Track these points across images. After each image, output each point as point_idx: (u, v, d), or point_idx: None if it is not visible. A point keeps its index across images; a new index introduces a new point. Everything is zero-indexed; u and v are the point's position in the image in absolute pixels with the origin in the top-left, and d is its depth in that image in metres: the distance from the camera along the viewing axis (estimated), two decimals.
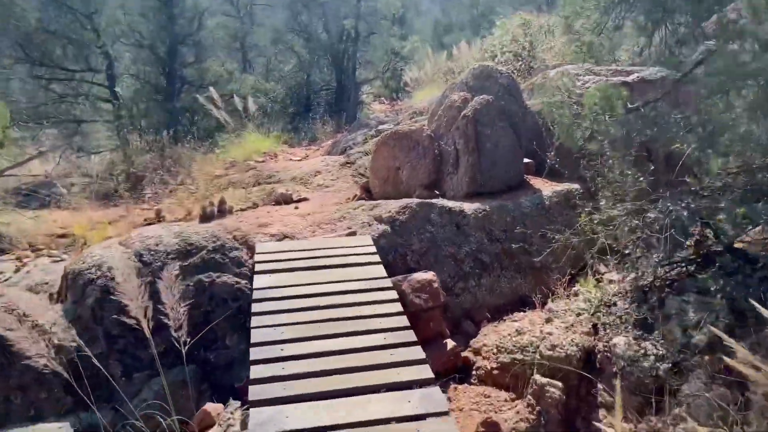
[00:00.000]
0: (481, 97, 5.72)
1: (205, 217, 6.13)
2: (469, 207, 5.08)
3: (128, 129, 12.28)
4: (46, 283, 4.64)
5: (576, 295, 4.82)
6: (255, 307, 3.47)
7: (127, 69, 13.01)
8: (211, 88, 12.87)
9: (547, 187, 5.84)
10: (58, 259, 6.65)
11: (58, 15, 11.96)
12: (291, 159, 13.17)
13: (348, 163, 9.86)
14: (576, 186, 5.84)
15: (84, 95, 12.54)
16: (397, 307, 3.64)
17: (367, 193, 6.72)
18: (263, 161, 12.46)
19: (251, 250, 4.37)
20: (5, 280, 6.01)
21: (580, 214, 5.28)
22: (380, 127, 10.81)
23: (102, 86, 12.79)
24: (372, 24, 12.74)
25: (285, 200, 7.77)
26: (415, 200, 4.98)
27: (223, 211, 6.20)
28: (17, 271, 6.27)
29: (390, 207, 4.91)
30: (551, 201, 5.55)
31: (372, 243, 4.38)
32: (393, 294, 3.78)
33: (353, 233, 4.58)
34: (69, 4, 11.95)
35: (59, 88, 12.76)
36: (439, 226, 4.82)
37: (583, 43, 5.23)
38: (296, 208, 6.58)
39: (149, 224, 7.58)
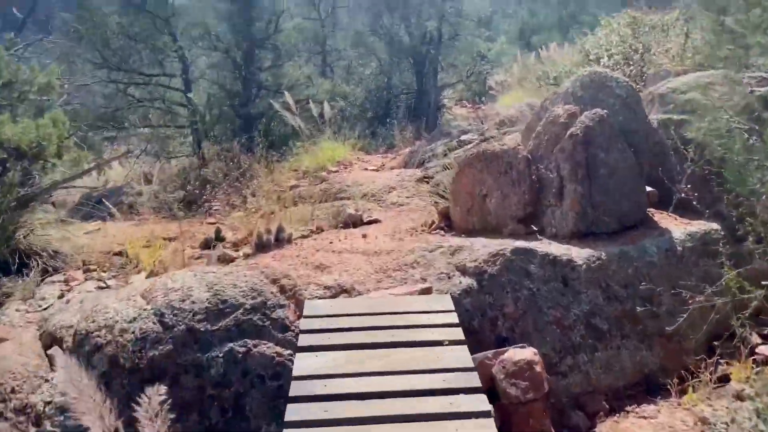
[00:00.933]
0: (593, 111, 4.58)
1: (261, 246, 5.35)
2: (578, 254, 3.98)
3: (201, 136, 11.88)
4: (71, 327, 3.96)
5: (725, 379, 3.63)
6: (290, 412, 2.54)
7: (202, 73, 12.62)
8: (287, 93, 12.28)
9: (676, 226, 4.62)
10: (104, 285, 6.10)
11: (136, 19, 11.71)
12: (366, 168, 12.37)
13: (425, 178, 8.88)
14: (715, 226, 4.59)
15: (160, 99, 12.25)
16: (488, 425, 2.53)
17: (446, 221, 5.71)
18: (336, 171, 11.71)
19: (300, 306, 3.49)
20: (45, 308, 5.48)
21: (723, 265, 4.07)
22: (463, 137, 9.77)
23: (178, 90, 12.47)
24: (456, 26, 11.71)
25: (354, 222, 6.90)
26: (509, 245, 3.92)
27: (281, 239, 5.39)
28: (61, 296, 5.74)
29: (476, 253, 3.88)
30: (684, 246, 4.34)
31: (452, 307, 3.38)
32: (482, 403, 2.66)
33: (428, 290, 3.60)
34: (147, 7, 11.67)
35: (137, 92, 12.56)
36: (540, 280, 3.75)
37: (739, 46, 4.00)
38: (364, 236, 5.67)
39: (206, 246, 6.95)
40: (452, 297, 3.49)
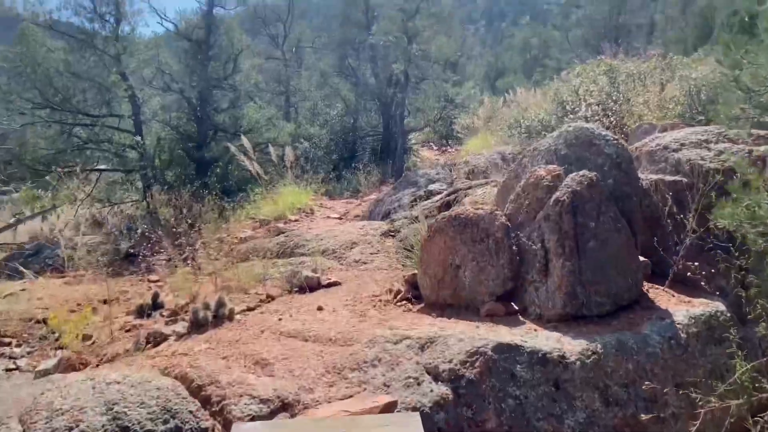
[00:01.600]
0: (581, 174, 4.01)
1: (198, 325, 4.57)
2: (571, 348, 3.32)
3: (151, 181, 11.04)
4: None
5: None
6: None
7: (154, 114, 11.86)
8: (244, 137, 11.59)
9: (677, 306, 4.02)
10: (14, 366, 5.19)
11: (83, 56, 10.96)
12: (329, 217, 11.68)
13: (391, 231, 8.23)
14: (720, 306, 4.01)
15: (106, 141, 11.42)
16: None
17: (413, 289, 5.03)
18: (296, 220, 10.99)
19: (228, 428, 2.72)
20: None
21: (733, 355, 3.48)
22: (430, 186, 9.21)
23: (127, 132, 11.66)
24: (423, 69, 11.30)
25: (310, 285, 6.17)
26: (490, 341, 3.23)
27: (220, 316, 4.62)
28: None
29: (451, 350, 3.18)
30: (688, 332, 3.73)
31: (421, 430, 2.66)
32: None
33: (392, 406, 2.88)
34: (96, 44, 10.94)
35: (84, 133, 11.70)
36: (528, 385, 3.07)
37: (754, 105, 3.49)
38: (320, 309, 4.94)
39: (140, 313, 6.11)
40: (422, 413, 2.77)
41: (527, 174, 4.31)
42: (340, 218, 11.68)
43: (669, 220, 4.53)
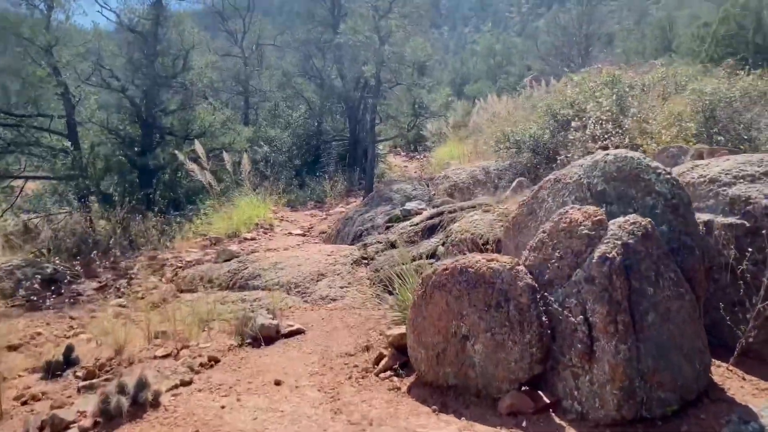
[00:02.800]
0: (632, 221, 2.99)
1: (109, 416, 3.34)
2: None
3: (85, 192, 9.63)
4: None
5: None
6: None
7: (91, 115, 10.40)
8: (196, 142, 10.30)
9: (756, 398, 3.02)
10: None
11: (6, 47, 9.48)
12: (290, 233, 10.47)
13: (364, 259, 7.10)
14: None
15: (33, 144, 9.92)
16: None
17: (400, 355, 3.93)
18: (253, 239, 9.74)
19: None
20: None
21: None
22: (407, 205, 8.11)
23: (59, 134, 10.19)
24: (397, 72, 10.24)
25: (267, 336, 5.01)
26: None
27: (141, 402, 3.40)
28: None
29: None
30: None
31: None
32: None
33: None
34: (21, 32, 9.46)
35: (8, 134, 10.18)
36: None
37: None
38: (278, 384, 3.80)
39: (49, 370, 4.80)
40: None
41: (556, 216, 3.25)
42: (303, 234, 10.48)
43: (726, 273, 3.56)
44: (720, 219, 3.65)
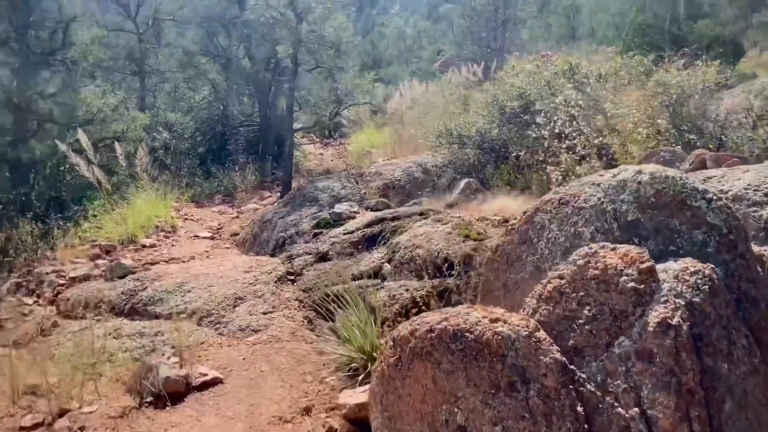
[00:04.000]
0: (691, 267, 2.21)
1: None
2: None
3: None
4: None
5: None
6: None
7: None
8: (80, 131, 8.73)
9: None
10: None
11: None
12: (197, 236, 9.16)
13: (290, 274, 6.06)
14: None
15: None
16: None
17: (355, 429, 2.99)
18: (153, 245, 8.37)
19: None
20: None
21: None
22: (337, 207, 7.09)
23: None
24: (317, 53, 9.15)
25: (173, 392, 3.92)
26: None
27: None
28: None
29: None
30: None
31: None
32: None
33: None
34: None
35: None
36: None
37: None
38: None
39: None
40: None
41: (578, 257, 2.40)
42: (211, 237, 9.20)
43: None
44: (757, 249, 2.95)
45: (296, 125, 14.53)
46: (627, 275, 2.21)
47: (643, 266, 2.21)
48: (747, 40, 12.54)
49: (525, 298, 2.63)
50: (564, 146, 4.75)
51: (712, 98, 5.70)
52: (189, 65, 15.38)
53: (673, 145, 4.86)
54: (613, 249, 2.31)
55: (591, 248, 2.36)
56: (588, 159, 4.67)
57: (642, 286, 2.19)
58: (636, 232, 2.51)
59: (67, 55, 9.57)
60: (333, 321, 4.78)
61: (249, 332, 5.03)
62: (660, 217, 2.50)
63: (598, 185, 2.69)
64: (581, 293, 2.32)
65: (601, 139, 4.69)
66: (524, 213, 2.97)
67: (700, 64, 5.94)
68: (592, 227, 2.61)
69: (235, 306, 5.37)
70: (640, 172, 2.57)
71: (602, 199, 2.63)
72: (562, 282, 2.41)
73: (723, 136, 4.79)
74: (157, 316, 5.45)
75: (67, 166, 9.13)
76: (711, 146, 5.02)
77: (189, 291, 5.66)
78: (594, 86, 5.52)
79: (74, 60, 9.59)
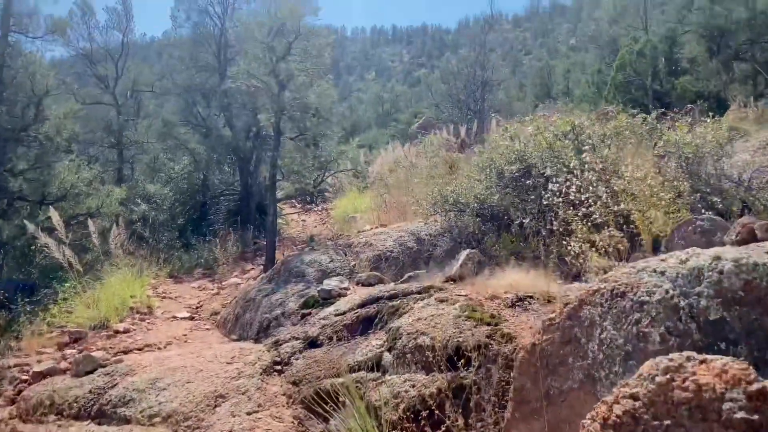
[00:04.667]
0: None
1: None
2: None
3: None
4: None
5: None
6: None
7: None
8: (52, 208, 8.19)
9: None
10: None
11: None
12: (174, 318, 8.49)
13: (277, 364, 5.41)
14: None
15: None
16: None
17: None
18: (126, 331, 7.68)
19: None
20: None
21: None
22: (326, 283, 6.54)
23: None
24: (300, 121, 8.84)
25: None
26: None
27: None
28: None
29: None
30: None
31: None
32: None
33: None
34: None
35: None
36: None
37: None
38: None
39: None
40: None
41: (657, 372, 1.90)
42: (191, 318, 8.55)
43: None
44: None
45: (279, 194, 14.20)
46: (732, 400, 1.71)
47: (752, 388, 1.71)
48: (730, 95, 12.59)
49: (576, 416, 2.11)
50: (579, 214, 4.32)
51: (726, 156, 5.39)
52: (168, 135, 15.07)
53: (702, 210, 4.46)
54: (703, 362, 1.82)
55: (672, 360, 1.87)
56: (606, 227, 4.23)
57: (755, 416, 1.68)
58: (721, 334, 2.03)
59: (40, 131, 9.13)
60: (327, 422, 4.18)
61: None
62: (752, 316, 2.02)
63: (662, 273, 2.22)
64: (667, 422, 1.80)
65: (622, 205, 4.28)
66: (565, 305, 2.48)
67: (708, 120, 5.65)
68: (662, 328, 2.12)
69: (215, 406, 4.73)
70: (719, 258, 2.10)
71: (671, 292, 2.15)
72: (636, 404, 1.90)
73: (751, 197, 4.42)
74: (127, 420, 4.79)
75: (37, 247, 8.54)
76: (734, 209, 4.64)
77: (164, 389, 5.01)
78: (599, 147, 5.17)
79: (48, 135, 9.15)
